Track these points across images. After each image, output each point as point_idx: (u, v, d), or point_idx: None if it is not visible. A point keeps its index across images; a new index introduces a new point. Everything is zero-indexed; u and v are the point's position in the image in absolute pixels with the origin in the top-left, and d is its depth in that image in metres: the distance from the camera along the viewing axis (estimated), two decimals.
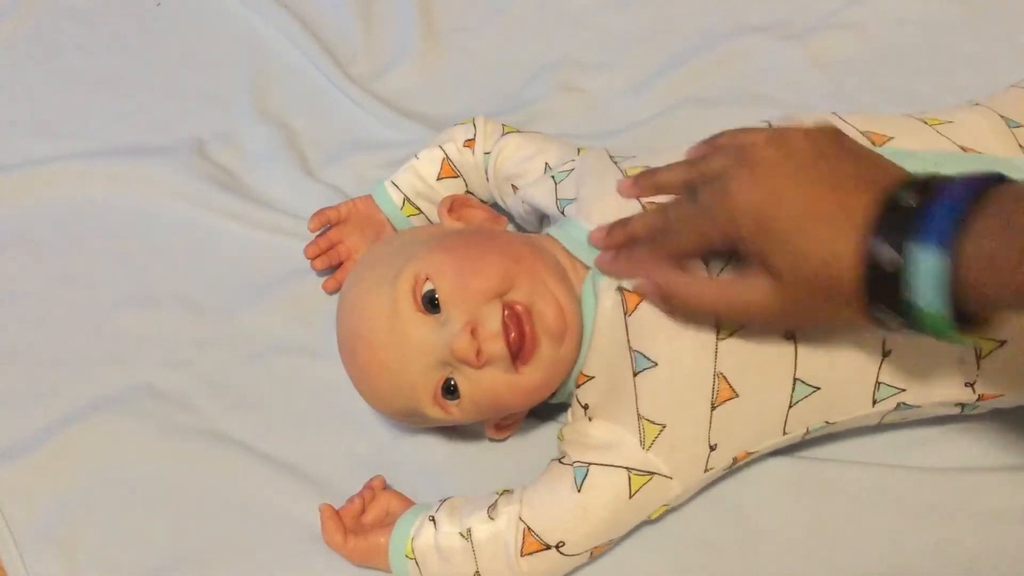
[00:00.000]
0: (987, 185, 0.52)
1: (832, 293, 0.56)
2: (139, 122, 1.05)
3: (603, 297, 0.71)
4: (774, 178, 0.58)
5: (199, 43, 1.11)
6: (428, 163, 0.88)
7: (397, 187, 0.89)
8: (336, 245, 0.91)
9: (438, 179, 0.88)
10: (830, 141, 0.60)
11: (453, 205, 0.82)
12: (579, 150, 0.84)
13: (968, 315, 0.52)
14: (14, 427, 0.87)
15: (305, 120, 1.04)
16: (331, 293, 0.92)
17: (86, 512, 0.82)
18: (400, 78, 1.06)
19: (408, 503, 0.78)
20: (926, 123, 0.74)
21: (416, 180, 0.88)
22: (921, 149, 0.71)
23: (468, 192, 0.89)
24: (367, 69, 1.07)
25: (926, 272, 0.51)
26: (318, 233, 0.91)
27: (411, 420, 0.77)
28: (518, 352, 0.69)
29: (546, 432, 0.82)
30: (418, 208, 0.89)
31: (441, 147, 0.87)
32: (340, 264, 0.92)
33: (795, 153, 0.59)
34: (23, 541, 0.81)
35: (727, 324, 0.68)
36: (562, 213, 0.78)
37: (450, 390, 0.71)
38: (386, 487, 0.80)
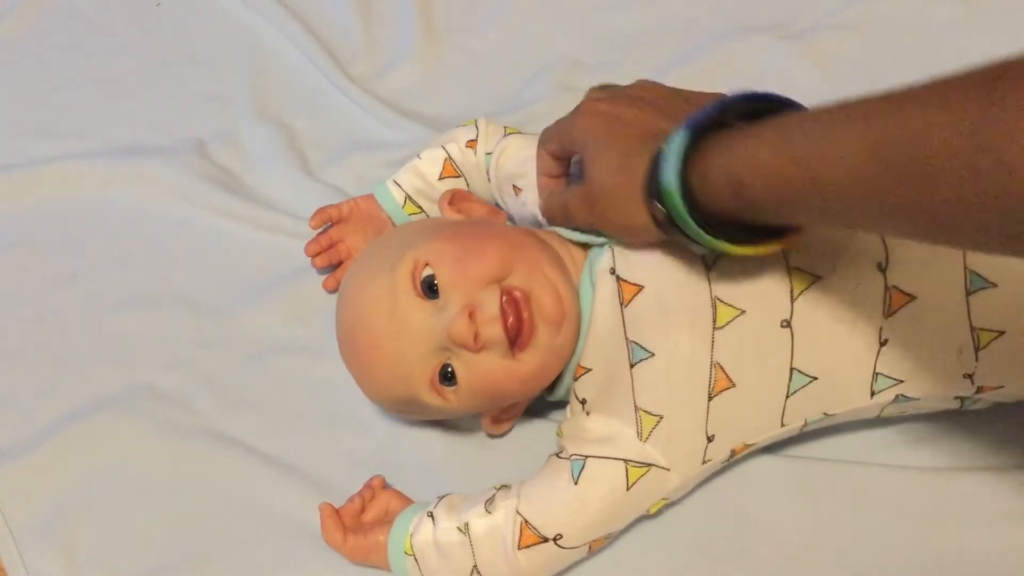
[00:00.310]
0: (744, 101, 0.61)
1: (624, 195, 0.65)
2: (139, 122, 1.05)
3: (600, 287, 0.71)
4: (601, 111, 0.72)
5: (199, 43, 1.11)
6: (430, 163, 0.88)
7: (399, 186, 0.89)
8: (336, 243, 0.92)
9: (440, 179, 0.88)
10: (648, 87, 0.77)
11: (454, 198, 0.82)
12: None
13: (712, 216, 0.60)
14: (14, 427, 0.87)
15: (305, 120, 1.04)
16: (331, 292, 0.92)
17: (86, 512, 0.82)
18: (400, 78, 1.06)
19: (407, 501, 0.78)
20: None
21: (418, 179, 0.88)
22: None
23: (469, 191, 0.89)
24: (367, 69, 1.07)
25: (672, 152, 0.59)
26: (319, 231, 0.92)
27: (408, 410, 0.77)
28: (515, 337, 0.69)
29: (544, 430, 0.82)
30: (419, 207, 0.89)
31: (443, 147, 0.88)
32: (340, 263, 0.92)
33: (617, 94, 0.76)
34: (23, 540, 0.81)
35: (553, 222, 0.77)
36: None
37: (447, 376, 0.71)
38: (385, 486, 0.80)
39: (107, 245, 0.98)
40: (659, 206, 0.61)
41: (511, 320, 0.69)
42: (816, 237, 0.67)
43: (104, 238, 0.98)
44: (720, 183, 0.58)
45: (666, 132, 0.61)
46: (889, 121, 0.47)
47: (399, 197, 0.89)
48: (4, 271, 0.97)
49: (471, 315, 0.68)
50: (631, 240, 0.70)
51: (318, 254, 0.91)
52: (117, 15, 1.14)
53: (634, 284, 0.70)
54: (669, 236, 0.63)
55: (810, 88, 0.98)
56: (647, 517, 0.74)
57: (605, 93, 0.76)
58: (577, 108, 0.75)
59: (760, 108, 0.60)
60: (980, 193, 0.42)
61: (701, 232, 0.60)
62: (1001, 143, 0.40)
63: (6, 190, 1.01)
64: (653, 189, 0.62)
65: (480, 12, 1.10)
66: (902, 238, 0.63)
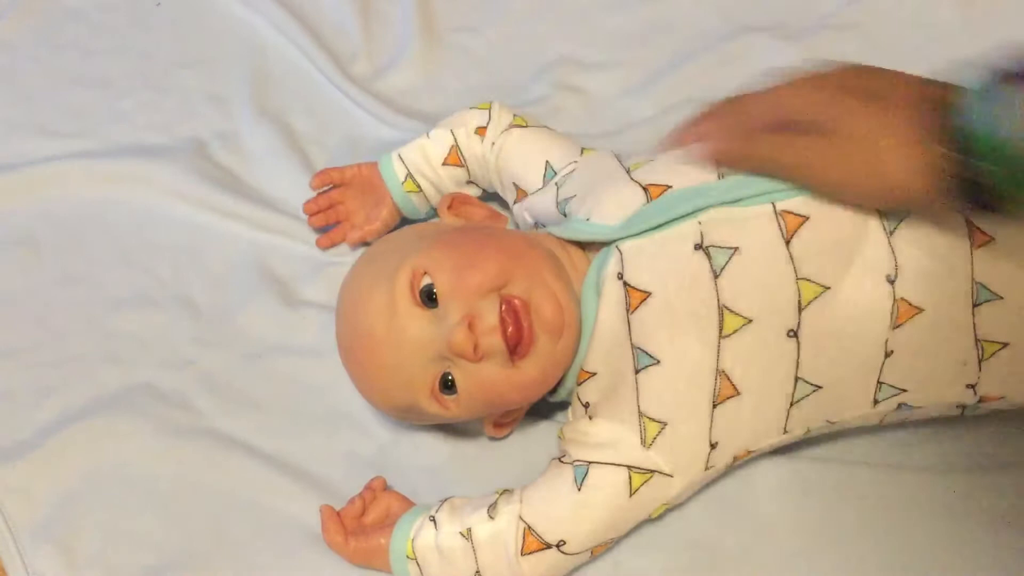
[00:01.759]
0: None
1: (889, 147, 0.61)
2: (139, 122, 1.05)
3: (606, 293, 0.71)
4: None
5: (199, 43, 1.10)
6: (437, 145, 0.88)
7: (403, 162, 0.89)
8: (335, 205, 0.93)
9: (443, 164, 0.88)
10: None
11: (453, 202, 0.82)
12: (583, 150, 0.84)
13: None
14: (14, 426, 0.87)
15: (305, 120, 1.04)
16: (324, 249, 0.93)
17: (86, 511, 0.82)
18: (400, 77, 1.05)
19: (409, 504, 0.78)
20: None
21: (421, 160, 0.89)
22: None
23: (470, 181, 0.90)
24: (367, 68, 1.07)
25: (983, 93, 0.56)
26: (319, 191, 0.93)
27: (409, 416, 0.77)
28: (515, 346, 0.69)
29: (547, 431, 0.82)
30: (418, 186, 0.89)
31: (453, 131, 0.88)
32: (337, 223, 0.93)
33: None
34: (22, 540, 0.81)
35: (788, 180, 0.69)
36: (563, 214, 0.78)
37: (448, 385, 0.71)
38: (387, 488, 0.80)
39: (107, 245, 0.97)
40: (953, 153, 0.57)
41: (511, 329, 0.69)
42: (825, 247, 0.68)
43: (104, 238, 0.98)
44: None
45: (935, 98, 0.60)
46: None
47: (400, 173, 0.89)
48: (4, 271, 0.97)
49: (470, 325, 0.68)
50: (851, 198, 0.67)
51: (316, 213, 0.93)
52: (117, 15, 1.13)
53: (641, 291, 0.70)
54: (938, 195, 0.60)
55: None
56: (648, 520, 0.74)
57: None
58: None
59: None
60: None
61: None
62: None
63: (6, 190, 1.00)
64: (951, 132, 0.58)
65: (480, 11, 1.09)
66: None
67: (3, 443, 0.86)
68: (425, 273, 0.71)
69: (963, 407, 0.72)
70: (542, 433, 0.82)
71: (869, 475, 0.77)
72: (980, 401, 0.70)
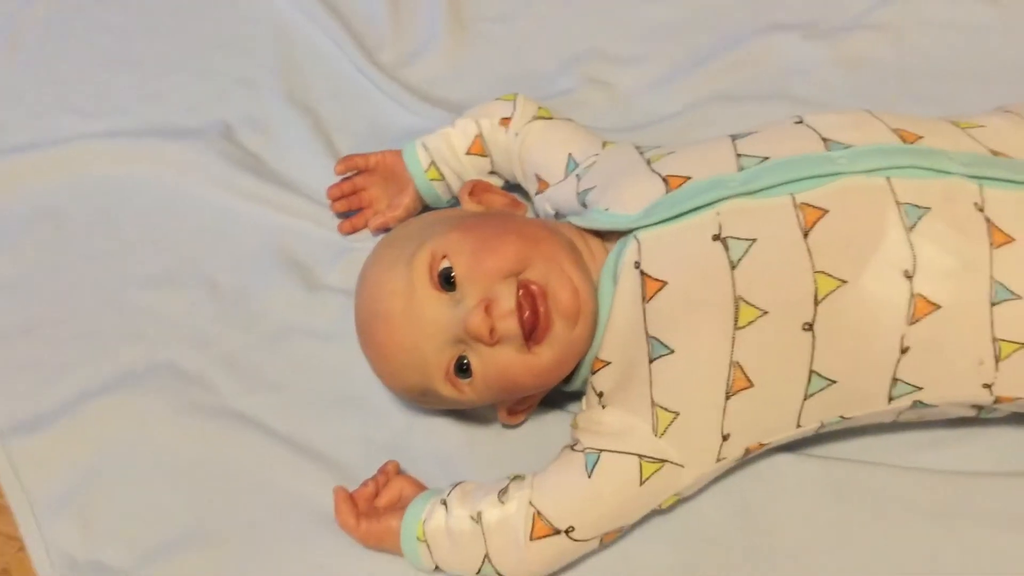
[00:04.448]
0: None
1: None
2: (168, 104, 1.06)
3: (622, 281, 0.71)
4: None
5: (230, 26, 1.11)
6: (461, 135, 0.89)
7: (427, 150, 0.90)
8: (359, 191, 0.94)
9: (467, 153, 0.89)
10: None
11: (474, 189, 0.83)
12: (604, 144, 0.84)
13: None
14: (37, 400, 0.88)
15: (332, 106, 1.05)
16: (346, 235, 0.94)
17: (104, 485, 0.83)
18: (427, 66, 1.06)
19: (421, 487, 0.79)
20: (957, 126, 0.74)
21: (445, 148, 0.89)
22: (952, 149, 0.71)
23: (492, 172, 0.90)
24: (395, 56, 1.07)
25: None
26: (343, 177, 0.93)
27: (424, 399, 0.77)
28: (531, 331, 0.69)
29: (560, 420, 0.82)
30: (441, 174, 0.90)
31: (477, 121, 0.89)
32: (359, 209, 0.94)
33: None
34: (41, 511, 0.82)
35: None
36: (583, 205, 0.79)
37: (463, 368, 0.72)
38: (400, 472, 0.81)
39: (133, 224, 0.99)
40: None
41: (527, 314, 0.69)
42: (844, 240, 0.67)
43: (130, 217, 0.99)
44: None
45: None
46: None
47: (424, 161, 0.90)
48: (31, 246, 0.98)
49: (487, 308, 0.68)
50: None
51: (339, 199, 0.93)
52: None
53: (657, 280, 0.70)
54: None
55: (837, 88, 0.99)
56: (658, 511, 0.74)
57: None
58: None
59: None
60: None
61: None
62: None
63: (35, 167, 1.02)
64: None
65: (509, 2, 1.10)
66: None
67: (24, 416, 0.87)
68: (444, 256, 0.71)
69: (979, 407, 0.71)
70: (556, 422, 0.82)
71: (884, 475, 0.76)
72: (996, 402, 0.69)
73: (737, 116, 0.95)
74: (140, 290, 0.94)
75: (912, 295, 0.66)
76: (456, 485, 0.76)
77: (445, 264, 0.71)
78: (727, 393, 0.69)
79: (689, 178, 0.72)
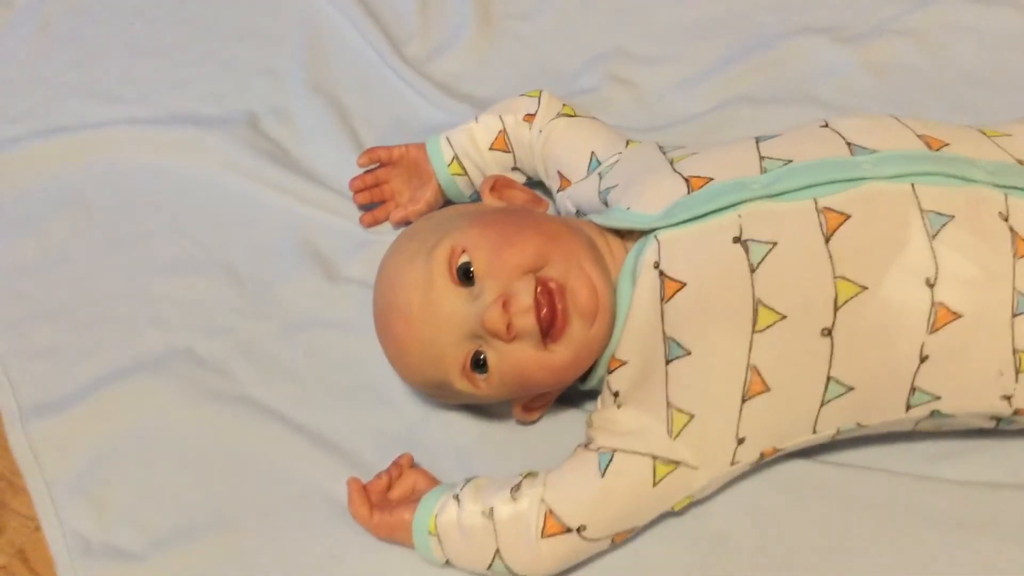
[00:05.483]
0: None
1: None
2: (194, 92, 1.07)
3: (641, 281, 0.71)
4: None
5: (257, 16, 1.12)
6: (485, 130, 0.89)
7: (450, 144, 0.90)
8: (381, 184, 0.94)
9: (490, 149, 0.89)
10: None
11: (496, 185, 0.82)
12: (628, 142, 0.84)
13: None
14: (56, 382, 0.89)
15: (357, 98, 1.05)
16: (367, 227, 0.95)
17: (120, 469, 0.84)
18: (453, 61, 1.06)
19: (434, 482, 0.79)
20: (984, 134, 0.73)
21: (469, 143, 0.89)
22: (977, 157, 0.70)
23: (515, 168, 0.90)
24: (421, 50, 1.08)
25: None
26: (366, 169, 0.94)
27: (440, 393, 0.78)
28: (548, 329, 0.69)
29: (576, 418, 0.82)
30: (464, 169, 0.90)
31: (501, 117, 0.89)
32: (382, 202, 0.94)
33: None
34: (57, 493, 0.83)
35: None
36: (605, 203, 0.78)
37: (479, 363, 0.72)
38: (413, 465, 0.81)
39: (156, 211, 0.99)
40: None
41: (544, 311, 0.69)
42: (865, 246, 0.67)
43: (154, 204, 1.00)
44: None
45: None
46: None
47: (447, 155, 0.90)
48: (55, 230, 0.99)
49: (505, 304, 0.68)
50: None
51: (361, 191, 0.94)
52: None
53: (677, 280, 0.70)
54: None
55: (864, 93, 0.98)
56: (670, 513, 0.74)
57: None
58: None
59: None
60: None
61: None
62: None
63: (60, 151, 1.03)
64: None
65: None
66: None
67: (44, 399, 0.88)
68: (464, 251, 0.71)
69: (998, 419, 0.70)
70: (571, 420, 0.82)
71: (896, 484, 0.75)
72: (1015, 413, 0.69)
73: (762, 118, 0.95)
74: (161, 277, 0.95)
75: (933, 303, 0.66)
76: (469, 480, 0.76)
77: (464, 259, 0.71)
78: (743, 396, 0.69)
79: (711, 179, 0.72)
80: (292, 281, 0.93)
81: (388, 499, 0.78)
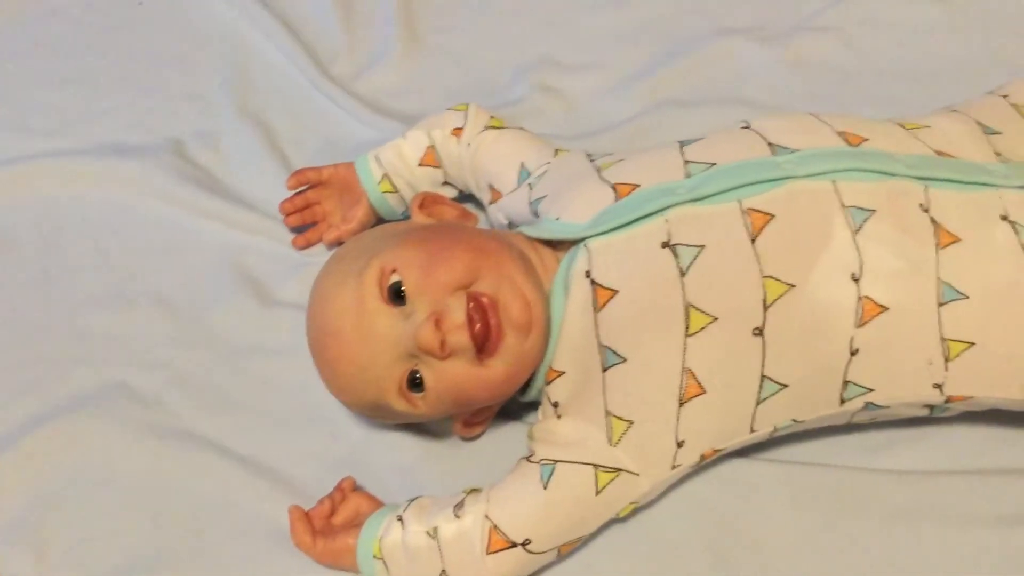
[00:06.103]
0: None
1: None
2: (118, 121, 1.05)
3: (574, 291, 0.71)
4: None
5: (180, 41, 1.10)
6: (413, 146, 0.89)
7: (379, 162, 0.89)
8: (312, 205, 0.93)
9: (419, 165, 0.89)
10: None
11: (424, 201, 0.82)
12: (556, 151, 0.84)
13: None
14: None
15: (285, 120, 1.04)
16: (300, 249, 0.94)
17: (58, 511, 0.82)
18: (380, 78, 1.06)
19: (378, 504, 0.78)
20: (903, 127, 0.75)
21: (398, 160, 0.89)
22: (896, 151, 0.71)
23: (446, 183, 0.90)
24: (348, 68, 1.07)
25: None
26: (296, 191, 0.93)
27: (379, 414, 0.77)
28: (483, 344, 0.69)
29: (517, 431, 0.82)
30: (395, 187, 0.89)
31: (429, 133, 0.88)
32: (313, 223, 0.93)
33: None
34: None
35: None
36: (535, 214, 0.78)
37: (415, 383, 0.71)
38: (356, 488, 0.80)
39: (83, 244, 0.97)
40: None
41: (478, 326, 0.69)
42: (791, 245, 0.67)
43: (80, 237, 0.98)
44: None
45: None
46: None
47: (377, 174, 0.89)
48: None
49: (437, 322, 0.68)
50: None
51: (292, 213, 0.93)
52: (98, 13, 1.13)
53: (609, 288, 0.70)
54: None
55: (789, 91, 0.99)
56: (618, 520, 0.74)
57: None
58: None
59: None
60: None
61: None
62: None
63: None
64: None
65: (461, 12, 1.09)
66: None
67: None
68: (394, 270, 0.71)
69: (931, 407, 0.71)
70: (514, 433, 0.82)
71: (845, 477, 0.76)
72: (947, 401, 0.70)
73: (690, 121, 0.96)
74: (91, 312, 0.93)
75: (860, 297, 0.67)
76: (412, 500, 0.76)
77: (395, 278, 0.70)
78: (680, 400, 0.69)
79: (637, 186, 0.72)
80: (226, 308, 0.92)
81: (331, 525, 0.77)
